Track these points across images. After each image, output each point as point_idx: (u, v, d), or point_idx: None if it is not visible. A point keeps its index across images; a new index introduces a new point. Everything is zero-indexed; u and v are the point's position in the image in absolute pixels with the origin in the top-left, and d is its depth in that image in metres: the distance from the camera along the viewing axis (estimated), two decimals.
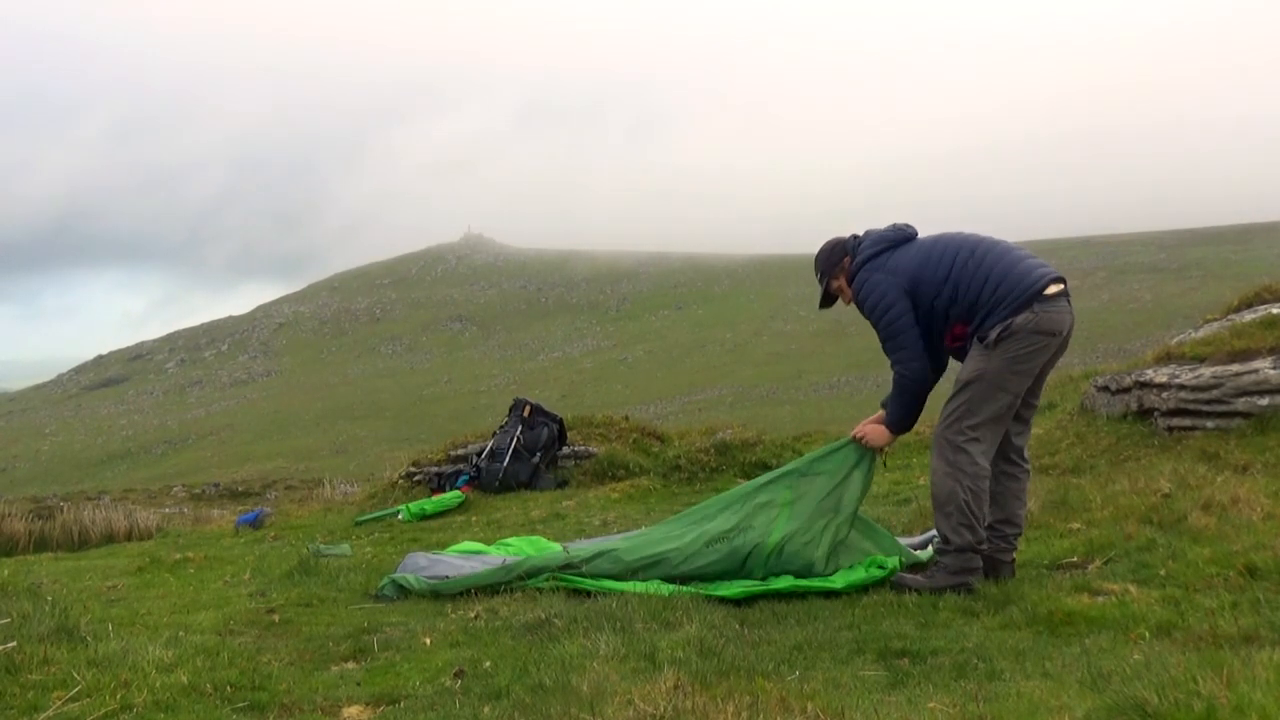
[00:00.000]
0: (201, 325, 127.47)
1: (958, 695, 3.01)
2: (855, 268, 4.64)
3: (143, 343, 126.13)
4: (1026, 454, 4.70)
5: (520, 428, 10.46)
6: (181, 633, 4.24)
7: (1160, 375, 7.41)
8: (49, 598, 4.75)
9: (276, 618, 4.72)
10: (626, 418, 12.02)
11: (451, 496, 9.61)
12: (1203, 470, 5.85)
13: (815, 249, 4.90)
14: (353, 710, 3.29)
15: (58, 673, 3.40)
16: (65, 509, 13.62)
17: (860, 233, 4.78)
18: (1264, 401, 6.67)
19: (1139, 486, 5.59)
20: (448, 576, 5.25)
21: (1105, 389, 8.15)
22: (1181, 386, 7.11)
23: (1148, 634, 3.49)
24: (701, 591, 4.66)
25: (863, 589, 4.57)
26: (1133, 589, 3.98)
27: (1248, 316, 8.14)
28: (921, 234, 4.72)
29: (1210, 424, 6.89)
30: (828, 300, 4.87)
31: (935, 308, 4.47)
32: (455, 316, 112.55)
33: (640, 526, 7.36)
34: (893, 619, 4.02)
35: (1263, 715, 2.43)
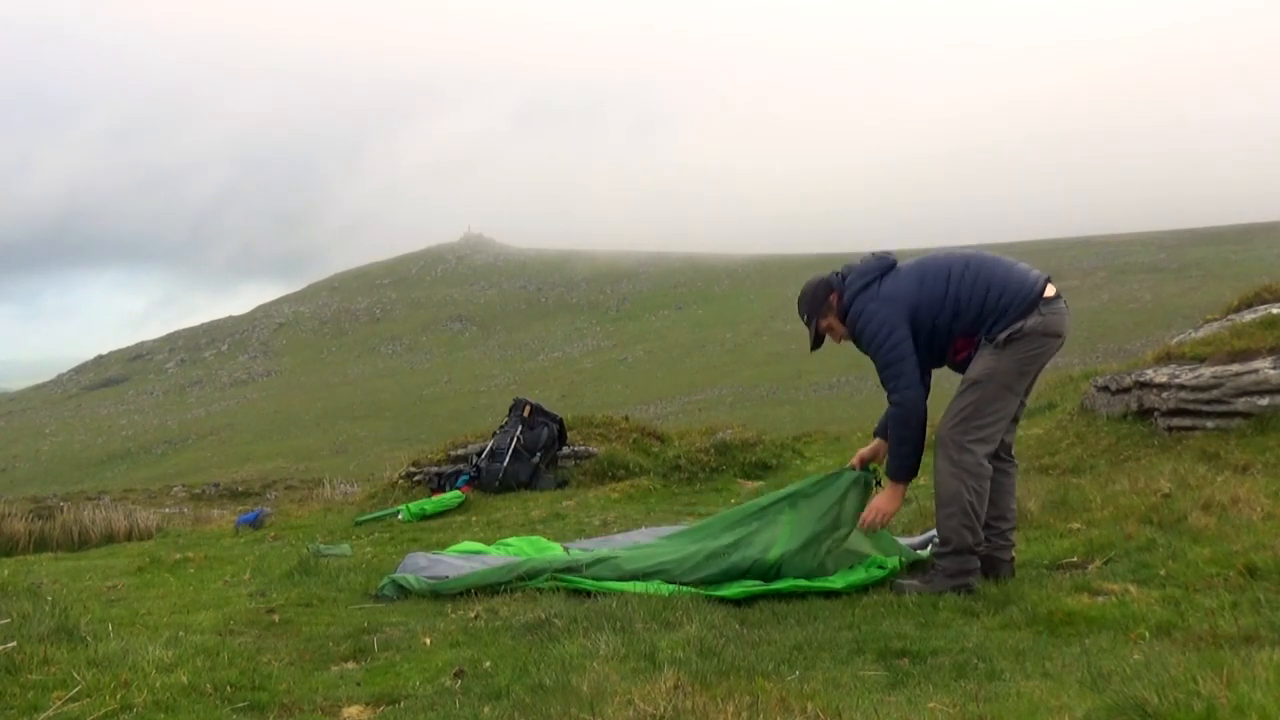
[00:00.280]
0: (201, 325, 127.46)
1: (958, 695, 3.01)
2: (848, 302, 4.60)
3: (143, 343, 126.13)
4: (1014, 450, 4.73)
5: (520, 428, 10.46)
6: (181, 633, 4.24)
7: (1160, 375, 7.41)
8: (49, 598, 4.75)
9: (276, 618, 4.72)
10: (626, 418, 12.02)
11: (451, 496, 9.61)
12: (1203, 470, 5.85)
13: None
14: (353, 710, 3.29)
15: (58, 673, 3.40)
16: (65, 509, 13.62)
17: (841, 269, 4.73)
18: (1264, 401, 6.67)
19: (1139, 486, 5.60)
20: (447, 577, 5.26)
21: (1105, 389, 8.15)
22: (1181, 386, 7.11)
23: (1148, 634, 3.49)
24: (702, 592, 4.67)
25: (863, 589, 4.57)
26: (1133, 589, 3.98)
27: (1248, 316, 8.14)
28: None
29: (1210, 424, 6.89)
30: (818, 341, 4.81)
31: (938, 326, 4.47)
32: (455, 316, 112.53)
33: (640, 526, 7.37)
34: (893, 619, 4.02)
35: (1263, 715, 2.43)
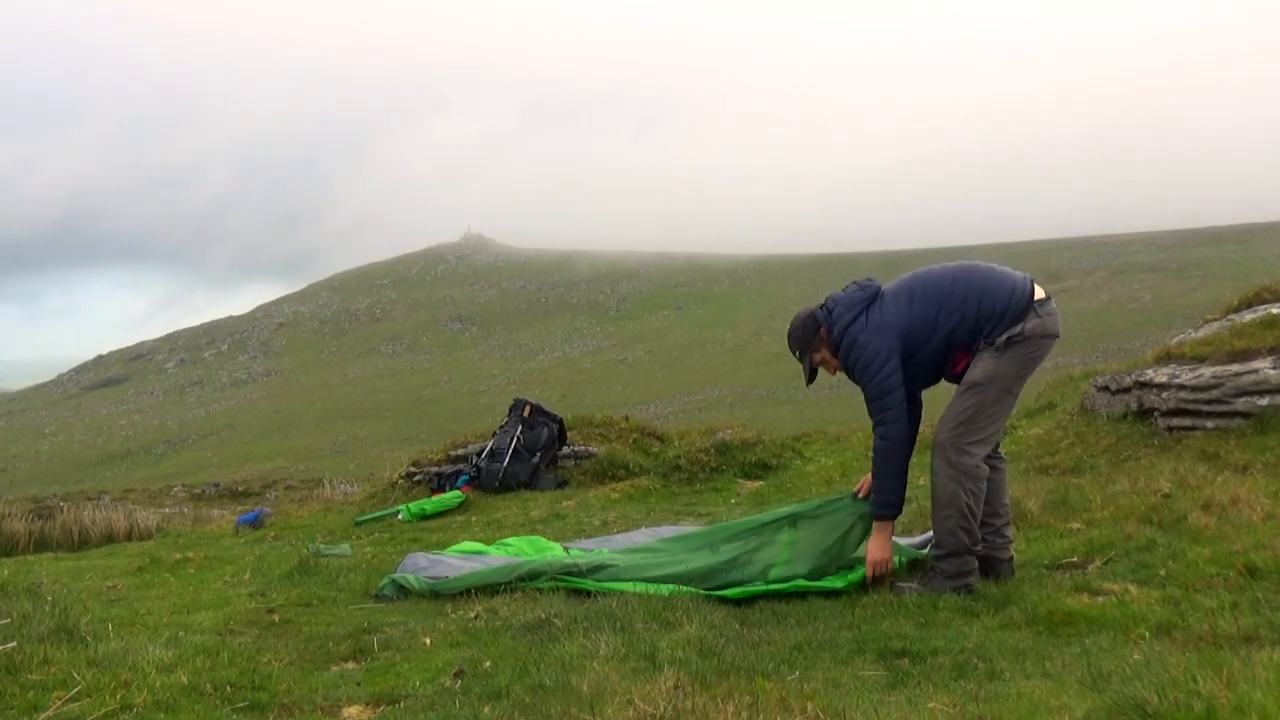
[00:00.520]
0: (201, 325, 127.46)
1: (958, 695, 3.01)
2: (839, 335, 4.57)
3: (143, 343, 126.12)
4: (1000, 447, 4.74)
5: (520, 428, 10.46)
6: (181, 633, 4.24)
7: (1160, 375, 7.41)
8: (49, 598, 4.75)
9: (276, 618, 4.72)
10: (626, 418, 12.01)
11: (451, 496, 9.61)
12: (1203, 470, 5.85)
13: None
14: (353, 710, 3.29)
15: (58, 673, 3.40)
16: (65, 509, 13.62)
17: (825, 301, 4.71)
18: (1264, 401, 6.67)
19: (1139, 486, 5.59)
20: (447, 577, 5.26)
21: (1105, 389, 8.14)
22: (1181, 386, 7.11)
23: (1148, 634, 3.49)
24: (702, 592, 4.67)
25: (863, 588, 4.57)
26: (1133, 589, 3.99)
27: (1248, 316, 8.14)
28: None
29: (1210, 424, 6.89)
30: (813, 376, 4.80)
31: (934, 344, 4.47)
32: (455, 316, 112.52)
33: (640, 526, 7.36)
34: (893, 619, 4.02)
35: (1263, 715, 2.43)
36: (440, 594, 5.04)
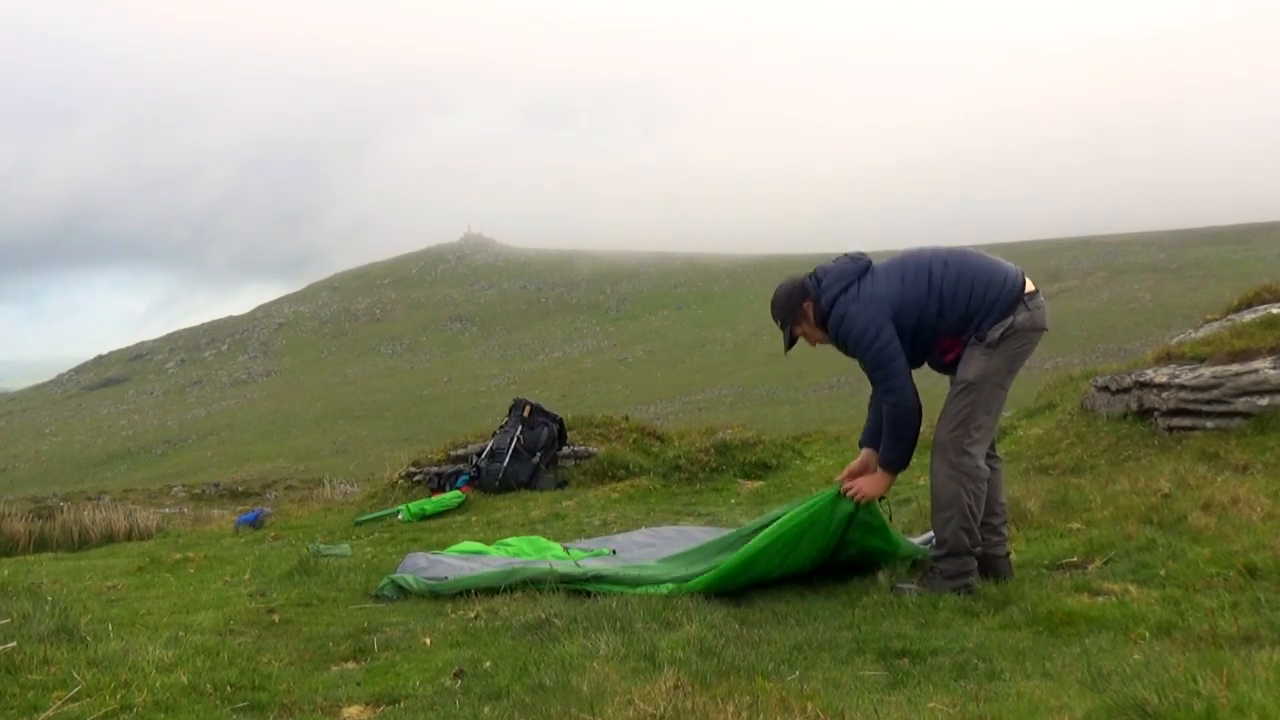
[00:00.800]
0: (201, 325, 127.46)
1: (958, 695, 3.01)
2: (826, 307, 4.51)
3: (143, 343, 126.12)
4: (997, 447, 4.73)
5: (520, 428, 10.46)
6: (181, 633, 4.25)
7: (1160, 375, 7.41)
8: (49, 598, 4.75)
9: (276, 618, 4.72)
10: (626, 418, 12.01)
11: (451, 496, 9.61)
12: (1203, 470, 5.85)
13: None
14: (353, 710, 3.29)
15: (58, 673, 3.40)
16: (65, 509, 13.62)
17: (815, 271, 4.64)
18: (1264, 401, 6.67)
19: (1139, 486, 5.59)
20: (447, 577, 5.25)
21: (1105, 389, 8.14)
22: (1181, 386, 7.11)
23: (1148, 634, 3.49)
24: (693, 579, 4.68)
25: (862, 567, 4.61)
26: (1133, 589, 3.98)
27: (1248, 316, 8.14)
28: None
29: (1210, 424, 6.88)
30: (791, 344, 4.75)
31: (923, 324, 4.44)
32: (455, 316, 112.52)
33: (640, 527, 7.36)
34: (893, 619, 4.02)
35: (1263, 715, 2.43)
36: (439, 594, 5.04)
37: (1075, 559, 4.65)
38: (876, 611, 4.17)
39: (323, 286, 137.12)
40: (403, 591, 5.18)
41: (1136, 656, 3.19)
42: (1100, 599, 3.96)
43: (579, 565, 5.33)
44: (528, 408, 10.67)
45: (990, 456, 4.60)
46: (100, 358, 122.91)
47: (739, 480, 9.88)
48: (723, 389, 62.20)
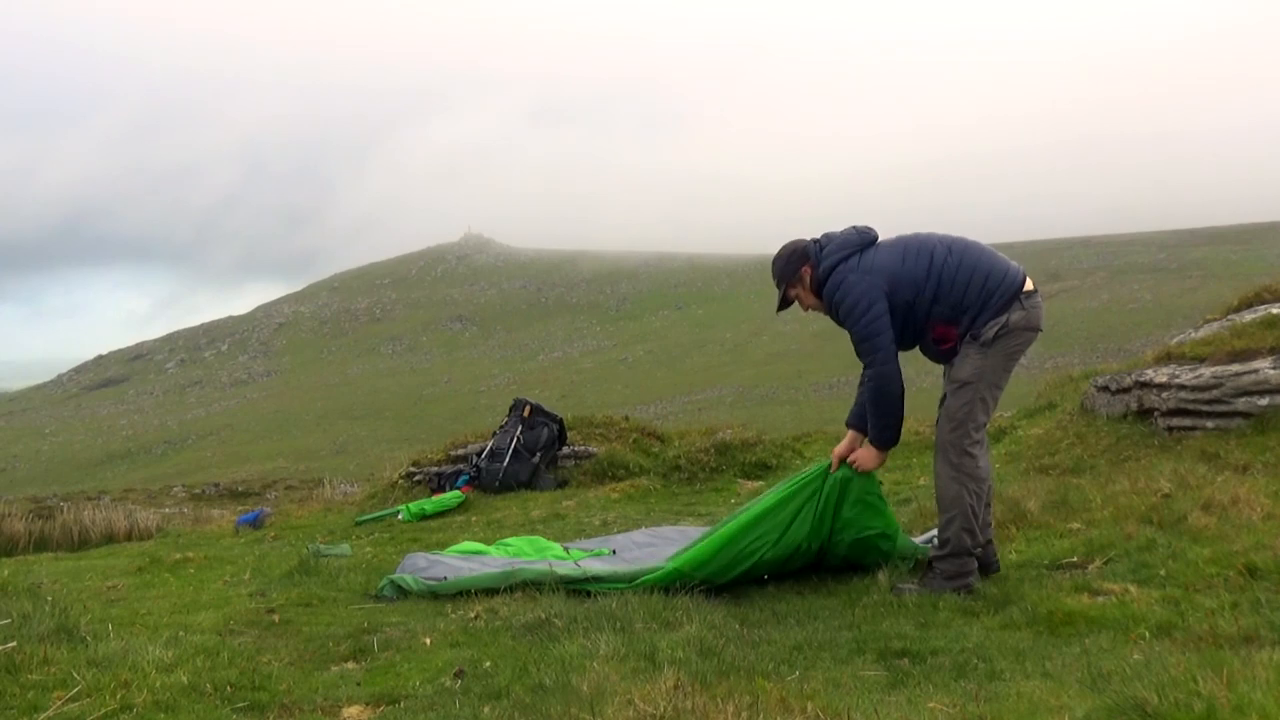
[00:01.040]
0: (201, 325, 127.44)
1: (958, 695, 3.01)
2: (824, 272, 4.53)
3: (143, 343, 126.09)
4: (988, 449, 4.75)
5: (520, 428, 10.45)
6: (181, 633, 4.24)
7: (1160, 375, 7.41)
8: (49, 598, 4.75)
9: (276, 618, 4.72)
10: (626, 418, 12.01)
11: (451, 496, 9.60)
12: (1203, 470, 5.84)
13: None
14: (353, 710, 3.29)
15: (58, 673, 3.40)
16: (65, 509, 13.63)
17: (820, 237, 4.66)
18: (1264, 401, 6.67)
19: (1139, 486, 5.59)
20: (446, 578, 5.25)
21: (1105, 389, 8.14)
22: (1181, 386, 7.11)
23: (1148, 634, 3.49)
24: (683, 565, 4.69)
25: (862, 567, 4.64)
26: (1133, 589, 3.98)
27: (1248, 316, 8.13)
28: (897, 234, 4.69)
29: (1210, 424, 6.88)
30: (784, 305, 4.76)
31: (917, 305, 4.44)
32: (455, 316, 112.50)
33: (640, 527, 7.36)
34: (893, 619, 4.03)
35: (1263, 715, 2.43)
36: (439, 594, 5.04)
37: (1075, 559, 4.65)
38: (876, 611, 4.17)
39: (323, 286, 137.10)
40: (402, 592, 5.18)
41: (1136, 656, 3.19)
42: (1100, 599, 3.96)
43: (579, 565, 5.33)
44: (528, 408, 10.67)
45: None
46: (100, 358, 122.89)
47: (739, 480, 9.87)
48: (723, 389, 62.20)
